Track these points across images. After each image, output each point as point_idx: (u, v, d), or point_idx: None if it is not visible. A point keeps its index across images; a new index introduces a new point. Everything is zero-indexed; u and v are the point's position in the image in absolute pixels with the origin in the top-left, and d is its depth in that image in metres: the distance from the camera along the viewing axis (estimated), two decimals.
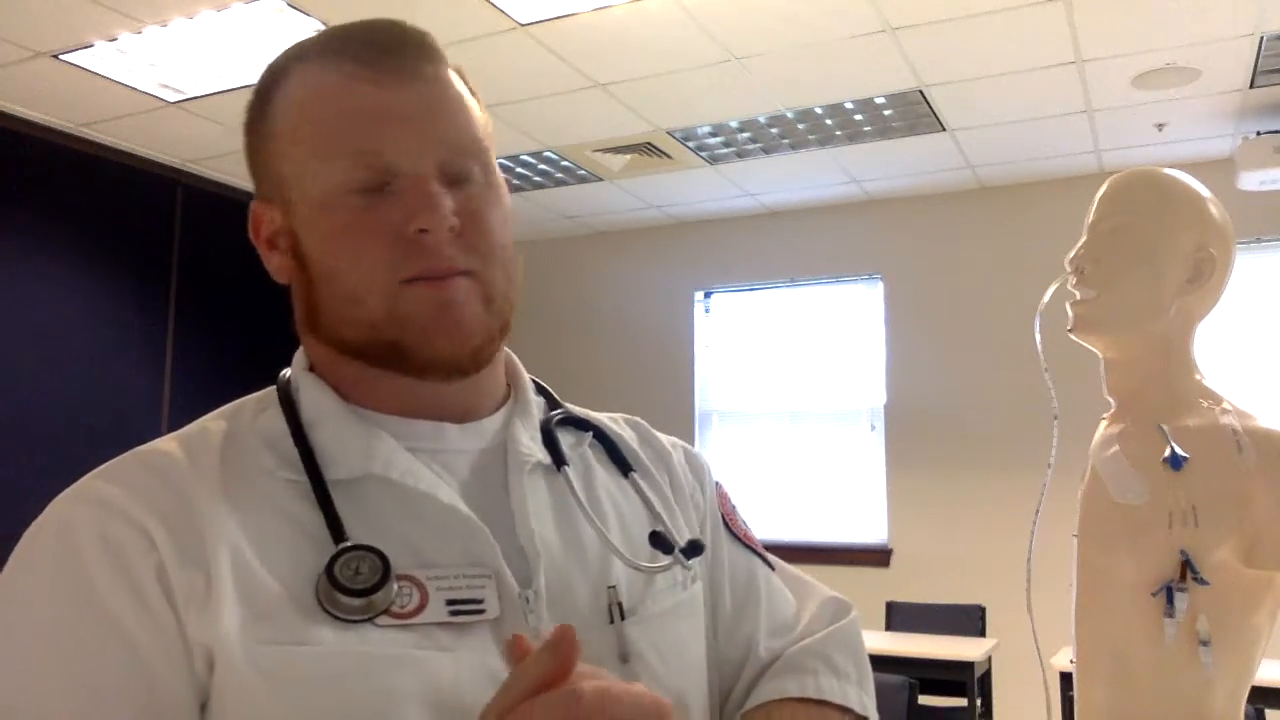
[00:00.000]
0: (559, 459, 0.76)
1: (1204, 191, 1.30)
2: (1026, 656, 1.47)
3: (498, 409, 0.78)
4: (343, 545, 0.64)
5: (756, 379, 5.79)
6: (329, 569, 0.63)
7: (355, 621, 0.62)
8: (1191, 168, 1.37)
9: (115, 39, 3.61)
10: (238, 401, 0.76)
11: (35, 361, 4.42)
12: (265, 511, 0.66)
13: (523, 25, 3.43)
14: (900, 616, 4.53)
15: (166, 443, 0.70)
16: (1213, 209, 1.29)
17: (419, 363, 0.70)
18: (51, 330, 4.50)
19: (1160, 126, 4.45)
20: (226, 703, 0.60)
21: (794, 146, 4.76)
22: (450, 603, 0.65)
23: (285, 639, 0.61)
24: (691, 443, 5.80)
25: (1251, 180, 4.35)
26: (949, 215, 5.39)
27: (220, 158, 4.91)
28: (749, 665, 0.82)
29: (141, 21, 3.47)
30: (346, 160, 0.68)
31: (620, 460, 0.82)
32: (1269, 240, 4.74)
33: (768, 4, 3.37)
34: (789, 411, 5.65)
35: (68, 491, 0.66)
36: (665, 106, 4.24)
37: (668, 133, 4.55)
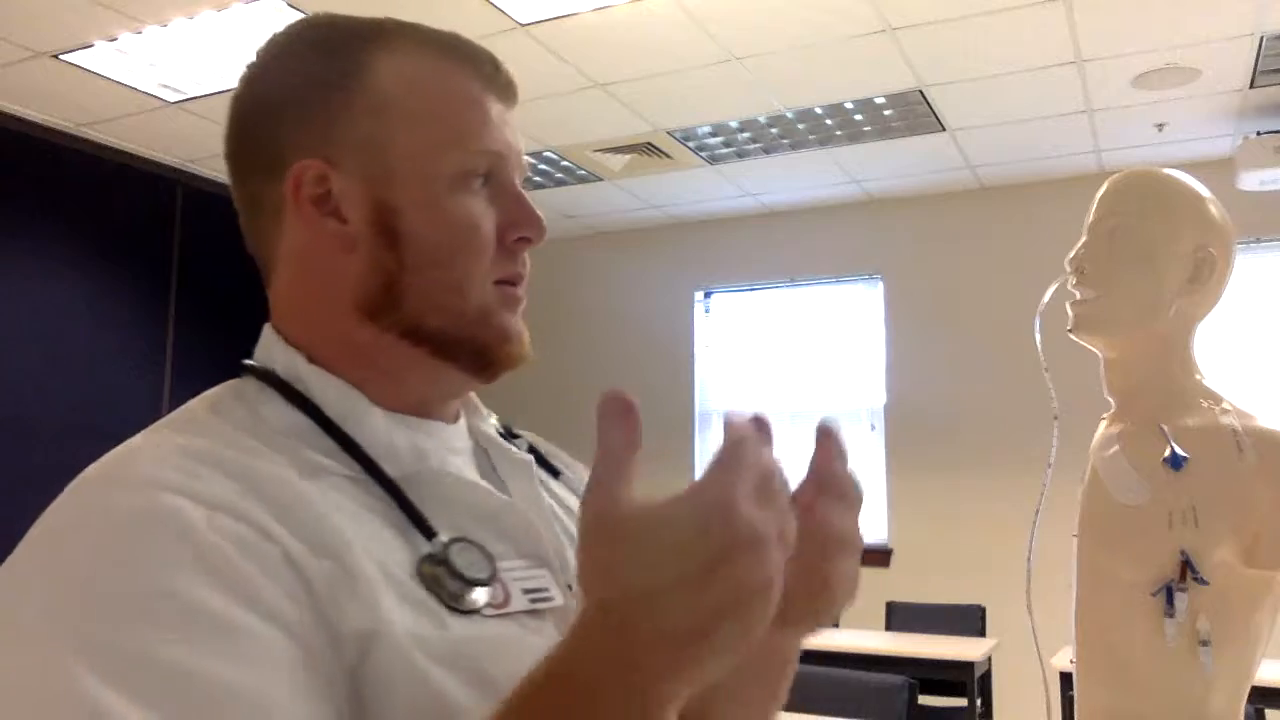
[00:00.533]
0: (539, 458, 0.80)
1: (1204, 191, 1.30)
2: (1026, 656, 1.47)
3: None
4: (453, 537, 0.64)
5: (756, 379, 5.79)
6: (444, 560, 0.62)
7: (466, 612, 0.62)
8: (1191, 168, 1.37)
9: (115, 39, 3.61)
10: (205, 400, 0.69)
11: (35, 361, 4.42)
12: (343, 502, 0.63)
13: (523, 25, 3.43)
14: (900, 616, 4.53)
15: (193, 436, 0.62)
16: (1213, 209, 1.29)
17: (488, 360, 0.71)
18: (51, 330, 4.50)
19: (1160, 126, 4.45)
20: (392, 690, 0.57)
21: (794, 146, 4.76)
22: (526, 592, 0.67)
23: (434, 628, 0.60)
24: (691, 443, 5.82)
25: (1251, 180, 4.35)
26: (949, 215, 5.39)
27: (220, 158, 4.90)
28: None
29: (141, 21, 3.47)
30: (473, 154, 0.69)
31: (548, 465, 0.85)
32: (1269, 240, 4.74)
33: (768, 4, 3.37)
34: (789, 411, 5.65)
35: (127, 479, 0.58)
36: (665, 106, 4.25)
37: (668, 133, 4.55)
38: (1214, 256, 1.26)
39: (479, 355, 0.70)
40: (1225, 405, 1.25)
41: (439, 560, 0.62)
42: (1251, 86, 4.02)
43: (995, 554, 4.77)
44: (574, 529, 0.77)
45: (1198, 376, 1.29)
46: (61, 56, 3.77)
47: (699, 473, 0.49)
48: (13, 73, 3.92)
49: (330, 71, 0.69)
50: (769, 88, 4.06)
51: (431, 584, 0.61)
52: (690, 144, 4.70)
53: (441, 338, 0.69)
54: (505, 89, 0.73)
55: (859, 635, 4.32)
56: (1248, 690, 1.20)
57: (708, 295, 5.97)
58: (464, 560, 0.63)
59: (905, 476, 5.29)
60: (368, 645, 0.57)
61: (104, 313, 4.74)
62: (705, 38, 3.60)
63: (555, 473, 0.85)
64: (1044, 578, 1.41)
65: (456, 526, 0.66)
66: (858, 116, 4.38)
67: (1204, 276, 1.26)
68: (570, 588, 0.70)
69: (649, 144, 4.68)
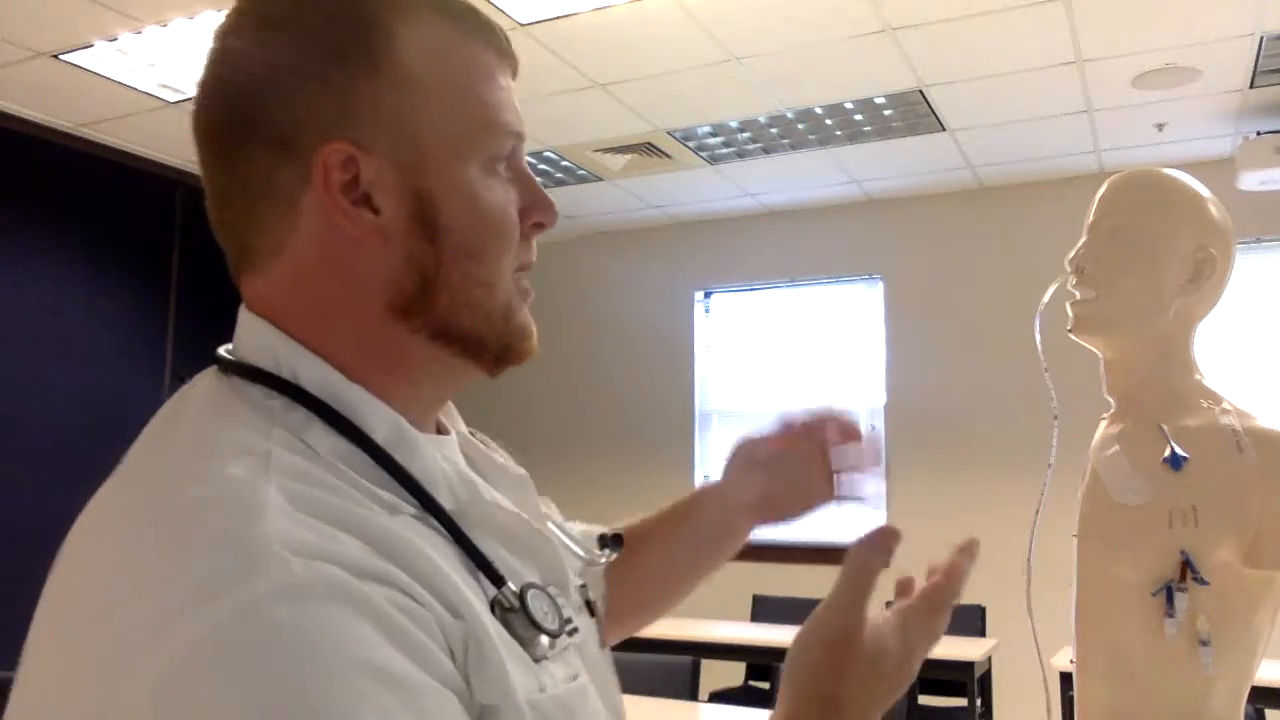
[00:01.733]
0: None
1: (1204, 191, 1.30)
2: (1026, 656, 1.47)
3: None
4: (525, 584, 0.61)
5: (756, 379, 5.79)
6: (519, 609, 0.59)
7: (539, 660, 0.59)
8: (1191, 168, 1.37)
9: (115, 39, 3.61)
10: (216, 408, 0.60)
11: (36, 361, 4.42)
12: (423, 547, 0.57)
13: (523, 25, 3.43)
14: None
15: (273, 486, 0.52)
16: (1213, 209, 1.29)
17: (506, 358, 0.67)
18: (51, 330, 4.50)
19: (1160, 126, 4.45)
20: None
21: (794, 146, 4.76)
22: (564, 622, 0.64)
23: (533, 684, 0.58)
24: (691, 443, 5.82)
25: (1251, 180, 4.35)
26: (949, 215, 5.39)
27: None
28: None
29: (141, 21, 3.47)
30: (501, 135, 0.65)
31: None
32: (1269, 240, 4.74)
33: (768, 4, 3.37)
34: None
35: (268, 588, 0.48)
36: (665, 106, 4.24)
37: (668, 133, 4.55)
38: (1214, 256, 1.26)
39: (500, 354, 0.66)
40: (1225, 405, 1.25)
41: (510, 608, 0.59)
42: (1251, 86, 4.02)
43: (995, 554, 4.74)
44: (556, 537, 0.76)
45: (1198, 376, 1.29)
46: (61, 56, 3.77)
47: (699, 472, 0.51)
48: (13, 73, 3.92)
49: (350, 39, 0.61)
50: (769, 88, 4.06)
51: (508, 630, 0.58)
52: (690, 144, 4.70)
53: (472, 337, 0.64)
54: (514, 63, 0.68)
55: None
56: (1248, 690, 1.20)
57: (708, 295, 5.97)
58: (539, 609, 0.60)
59: (905, 476, 5.29)
60: (493, 715, 0.55)
61: (104, 313, 4.74)
62: (705, 38, 3.60)
63: None
64: (1044, 578, 1.41)
65: (500, 558, 0.62)
66: (858, 116, 4.38)
67: (1204, 276, 1.26)
68: (579, 609, 0.70)
69: (649, 144, 4.68)
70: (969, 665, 3.77)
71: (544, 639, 0.59)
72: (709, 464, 5.77)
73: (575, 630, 0.64)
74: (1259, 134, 4.32)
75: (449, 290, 0.62)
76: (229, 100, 0.62)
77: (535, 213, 0.67)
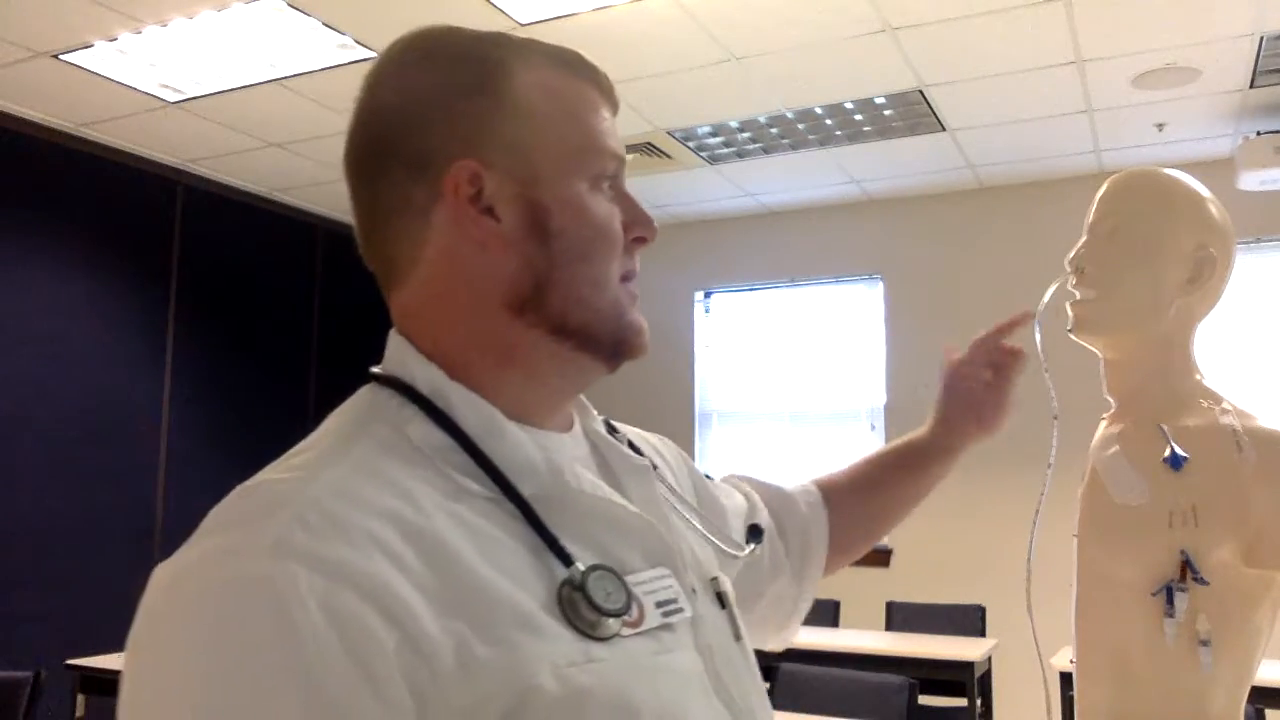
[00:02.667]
0: (650, 462, 0.83)
1: (1204, 191, 1.30)
2: (1026, 656, 1.47)
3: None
4: (591, 565, 0.66)
5: (756, 379, 5.79)
6: (583, 590, 0.64)
7: (605, 638, 0.64)
8: (1191, 168, 1.37)
9: (115, 39, 3.61)
10: (347, 419, 0.71)
11: (36, 361, 4.42)
12: (485, 531, 0.64)
13: (523, 25, 3.43)
14: (900, 616, 4.53)
15: (341, 471, 0.63)
16: (1213, 209, 1.29)
17: (621, 352, 0.75)
18: (51, 330, 4.50)
19: (1160, 126, 4.45)
20: None
21: (794, 146, 4.76)
22: (658, 605, 0.69)
23: (579, 659, 0.62)
24: (691, 443, 5.82)
25: (1251, 180, 4.35)
26: (949, 215, 5.39)
27: (220, 158, 4.91)
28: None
29: (141, 21, 3.47)
30: (605, 157, 0.75)
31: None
32: (1269, 240, 4.74)
33: (768, 4, 3.37)
34: (789, 412, 5.66)
35: (263, 538, 0.57)
36: (665, 106, 4.25)
37: (668, 133, 4.55)
38: (1214, 256, 1.26)
39: (615, 347, 0.74)
40: (1225, 405, 1.25)
41: (576, 588, 0.64)
42: (1251, 86, 4.02)
43: (995, 554, 4.77)
44: (684, 523, 0.83)
45: (1198, 376, 1.29)
46: (61, 56, 3.77)
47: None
48: (13, 73, 3.92)
49: (475, 78, 0.72)
50: (769, 88, 4.07)
51: (570, 609, 0.63)
52: (690, 144, 4.70)
53: (586, 332, 0.72)
54: (615, 101, 0.79)
55: (859, 635, 4.32)
56: (1248, 690, 1.20)
57: (708, 295, 5.97)
58: (600, 590, 0.65)
59: None
60: (516, 702, 0.58)
61: (104, 313, 4.74)
62: (705, 38, 3.60)
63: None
64: (1044, 578, 1.41)
65: (591, 540, 0.69)
66: (858, 116, 4.38)
67: (1204, 276, 1.26)
68: (694, 590, 0.73)
69: (649, 144, 4.68)
70: (969, 665, 3.77)
71: (608, 620, 0.64)
72: (709, 463, 5.77)
73: (678, 611, 0.70)
74: (1259, 134, 4.32)
75: (560, 289, 0.71)
76: (374, 132, 0.73)
77: (636, 228, 0.76)
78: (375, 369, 0.75)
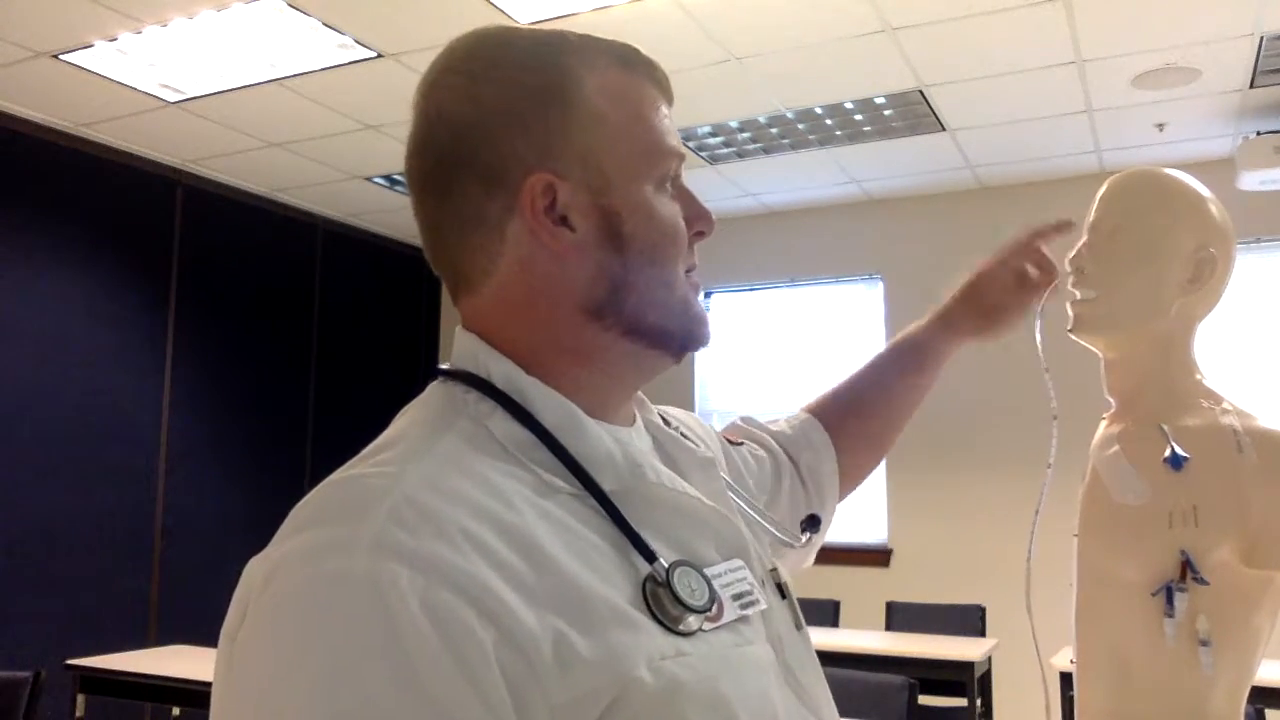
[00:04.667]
0: (711, 454, 0.84)
1: (1204, 191, 1.30)
2: (1026, 656, 1.47)
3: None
4: (675, 561, 0.66)
5: (756, 379, 5.79)
6: (668, 586, 0.64)
7: (689, 633, 0.64)
8: (1191, 168, 1.37)
9: (115, 39, 3.61)
10: (430, 410, 0.71)
11: (35, 361, 4.42)
12: (572, 527, 0.65)
13: (523, 25, 3.43)
14: (900, 616, 4.53)
15: (431, 465, 0.63)
16: (1213, 209, 1.29)
17: (689, 345, 0.77)
18: (51, 330, 4.50)
19: (1160, 126, 4.45)
20: None
21: (794, 146, 4.76)
22: (735, 597, 0.70)
23: (670, 652, 0.62)
24: None
25: (1251, 180, 4.35)
26: (949, 215, 5.39)
27: (220, 158, 4.91)
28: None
29: (141, 21, 3.47)
30: (669, 158, 0.75)
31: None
32: (1269, 240, 4.74)
33: (768, 4, 3.37)
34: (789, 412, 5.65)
35: (362, 534, 0.57)
36: None
37: None
38: (1214, 256, 1.26)
39: (684, 340, 0.76)
40: (1225, 405, 1.25)
41: (660, 583, 0.65)
42: (1251, 86, 4.02)
43: (995, 554, 4.77)
44: (743, 513, 0.84)
45: (1198, 376, 1.29)
46: (61, 56, 3.77)
47: None
48: (13, 73, 3.92)
49: (544, 87, 0.72)
50: (769, 88, 4.07)
51: (655, 605, 0.64)
52: (690, 144, 4.70)
53: (659, 331, 0.74)
54: (670, 93, 0.80)
55: (859, 635, 4.32)
56: (1248, 690, 1.20)
57: (708, 295, 5.97)
58: (685, 587, 0.65)
59: (905, 477, 5.29)
60: (616, 695, 0.58)
61: (104, 313, 4.74)
62: (705, 38, 3.60)
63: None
64: (1044, 578, 1.41)
65: (670, 535, 0.70)
66: (858, 116, 4.38)
67: (1205, 277, 1.26)
68: (763, 584, 0.75)
69: None
70: (969, 665, 3.77)
71: (691, 615, 0.64)
72: None
73: (753, 603, 0.71)
74: (1259, 134, 4.32)
75: (635, 292, 0.72)
76: (443, 146, 0.72)
77: (697, 223, 0.77)
78: (444, 365, 0.75)
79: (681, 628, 0.64)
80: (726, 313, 5.95)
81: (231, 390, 5.32)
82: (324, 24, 3.45)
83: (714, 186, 5.33)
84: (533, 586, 0.59)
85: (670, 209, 0.75)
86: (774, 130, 4.55)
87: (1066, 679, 3.07)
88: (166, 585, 4.88)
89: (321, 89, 3.98)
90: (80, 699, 3.59)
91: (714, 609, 0.67)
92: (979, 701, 3.88)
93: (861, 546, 5.33)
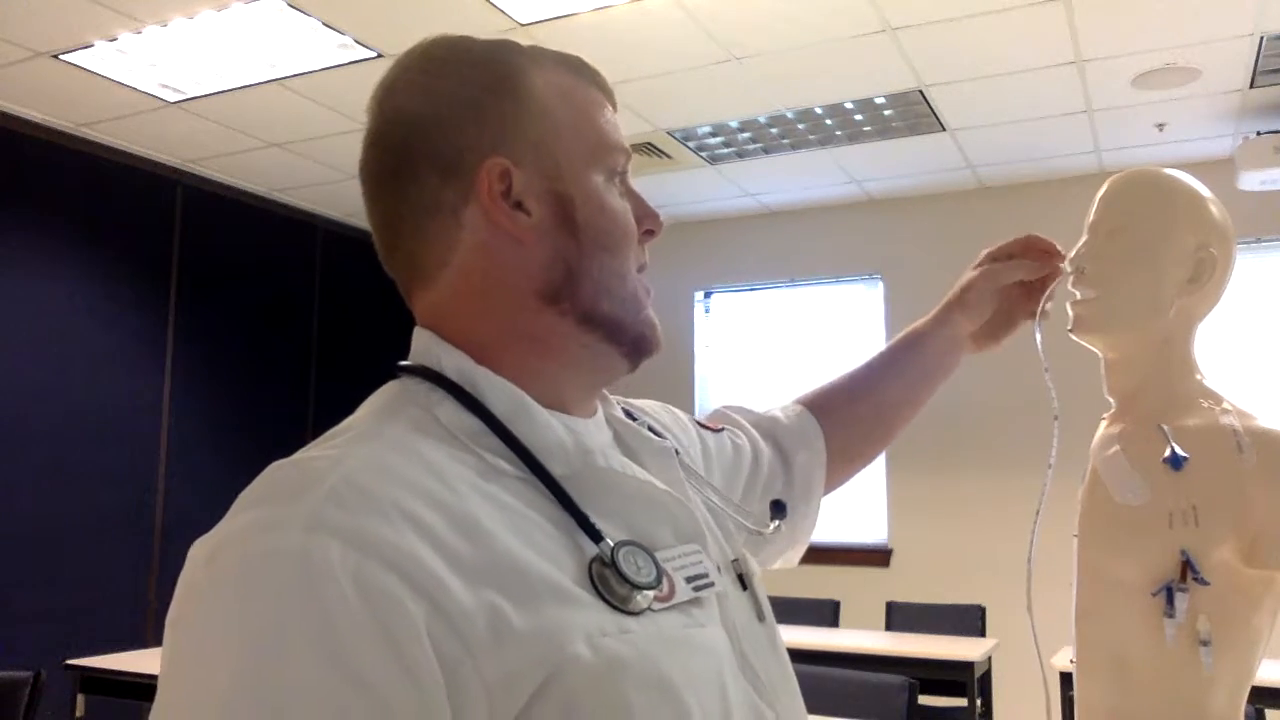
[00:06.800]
0: (672, 444, 0.85)
1: (1204, 191, 1.30)
2: (1026, 656, 1.47)
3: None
4: (621, 540, 0.67)
5: (756, 379, 5.79)
6: (613, 565, 0.65)
7: (636, 613, 0.65)
8: (1191, 168, 1.37)
9: (115, 39, 3.61)
10: (377, 406, 0.72)
11: (35, 361, 4.42)
12: (516, 509, 0.66)
13: (523, 25, 3.43)
14: (900, 616, 4.53)
15: (374, 448, 0.64)
16: (1213, 209, 1.29)
17: (640, 348, 0.78)
18: (51, 330, 4.50)
19: (1160, 126, 4.45)
20: (578, 707, 0.60)
21: (794, 146, 4.76)
22: (688, 580, 0.70)
23: (612, 629, 0.63)
24: None
25: (1251, 180, 4.35)
26: (949, 215, 5.39)
27: (220, 158, 4.91)
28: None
29: (141, 21, 3.47)
30: (617, 154, 0.78)
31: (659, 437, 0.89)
32: (1269, 240, 4.74)
33: (768, 4, 3.37)
34: None
35: (298, 513, 0.58)
36: (665, 106, 4.25)
37: (668, 133, 4.55)
38: (1215, 256, 1.26)
39: (635, 341, 0.77)
40: (1225, 405, 1.25)
41: (606, 563, 0.66)
42: (1251, 86, 4.02)
43: (995, 554, 4.77)
44: (706, 503, 0.84)
45: (1198, 376, 1.29)
46: (61, 56, 3.77)
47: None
48: (13, 73, 3.92)
49: (497, 80, 0.75)
50: (769, 88, 4.07)
51: (601, 584, 0.65)
52: (690, 144, 4.70)
53: (613, 321, 0.75)
54: (614, 101, 0.83)
55: (859, 635, 4.32)
56: (1248, 690, 1.20)
57: (708, 295, 5.97)
58: (630, 565, 0.66)
59: (905, 477, 5.29)
60: (546, 671, 0.59)
61: (104, 313, 4.74)
62: (705, 38, 3.60)
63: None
64: (1044, 578, 1.41)
65: (621, 518, 0.70)
66: (858, 116, 4.38)
67: (1204, 276, 1.26)
68: (719, 570, 0.75)
69: (649, 144, 4.68)
70: (969, 665, 3.77)
71: (638, 594, 0.65)
72: None
73: (708, 585, 0.71)
74: (1259, 134, 4.32)
75: (590, 278, 0.74)
76: (399, 140, 0.74)
77: (646, 220, 0.79)
78: (402, 363, 0.76)
79: (630, 607, 0.64)
80: (726, 313, 5.95)
81: (231, 390, 5.32)
82: (324, 24, 3.45)
83: (714, 186, 5.33)
84: (469, 561, 0.59)
85: (620, 204, 0.77)
86: (774, 130, 4.55)
87: (1066, 679, 3.07)
88: (166, 585, 4.88)
89: (321, 89, 3.98)
90: (80, 699, 3.59)
91: (664, 587, 0.67)
92: (979, 701, 3.88)
93: (861, 546, 5.33)
